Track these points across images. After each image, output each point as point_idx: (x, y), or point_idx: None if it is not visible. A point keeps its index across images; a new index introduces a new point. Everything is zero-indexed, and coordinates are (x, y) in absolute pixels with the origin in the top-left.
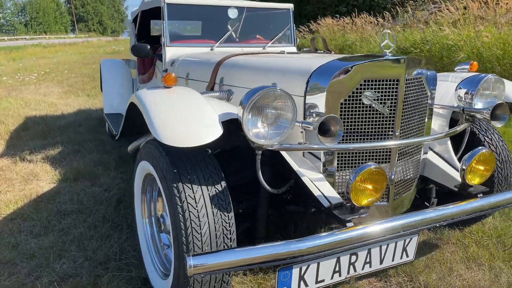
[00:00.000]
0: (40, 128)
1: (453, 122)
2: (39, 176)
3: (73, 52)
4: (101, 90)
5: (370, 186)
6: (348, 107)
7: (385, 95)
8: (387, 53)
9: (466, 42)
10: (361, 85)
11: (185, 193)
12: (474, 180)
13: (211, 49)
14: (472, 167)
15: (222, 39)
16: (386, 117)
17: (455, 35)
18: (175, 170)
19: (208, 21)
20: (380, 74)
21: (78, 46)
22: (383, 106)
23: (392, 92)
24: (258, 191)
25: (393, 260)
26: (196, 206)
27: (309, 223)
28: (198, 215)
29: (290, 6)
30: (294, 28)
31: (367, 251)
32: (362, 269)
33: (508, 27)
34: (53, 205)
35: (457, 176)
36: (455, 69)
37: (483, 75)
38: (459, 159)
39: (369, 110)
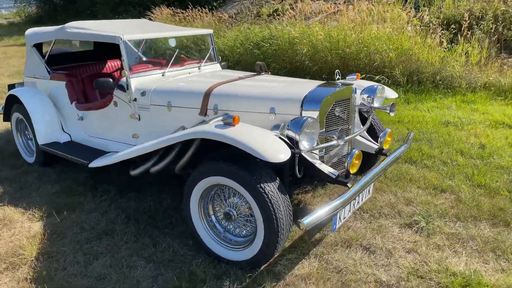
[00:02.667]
0: None
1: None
2: (15, 219)
3: None
4: (6, 120)
5: (357, 161)
6: (328, 118)
7: (343, 108)
8: (340, 84)
9: (305, 38)
10: (333, 104)
11: (266, 189)
12: (386, 146)
13: (163, 75)
14: (385, 140)
15: (169, 64)
16: (344, 119)
17: (296, 32)
18: (254, 177)
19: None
20: (342, 97)
21: None
22: (343, 114)
23: (347, 105)
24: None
25: (365, 198)
26: (274, 195)
27: None
28: (278, 200)
29: (210, 31)
30: (215, 48)
31: (358, 196)
32: (355, 206)
33: (329, 24)
34: (71, 238)
35: (372, 145)
36: (346, 78)
37: (376, 85)
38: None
39: (338, 117)
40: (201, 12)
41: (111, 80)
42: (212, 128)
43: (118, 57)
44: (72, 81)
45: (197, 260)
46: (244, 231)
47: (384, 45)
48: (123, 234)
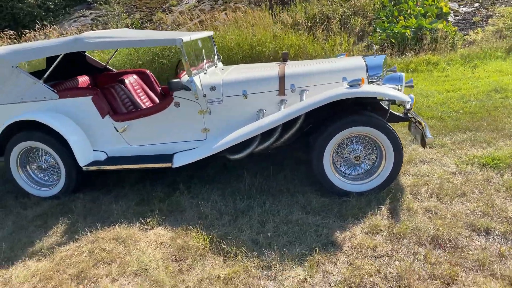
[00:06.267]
0: None
1: None
2: (129, 234)
3: None
4: None
5: None
6: None
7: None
8: (376, 55)
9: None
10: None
11: (391, 127)
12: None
13: (205, 73)
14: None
15: (206, 63)
16: None
17: None
18: (381, 120)
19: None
20: (385, 63)
21: None
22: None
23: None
24: None
25: None
26: (394, 130)
27: None
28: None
29: (212, 33)
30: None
31: None
32: None
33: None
34: (217, 223)
35: None
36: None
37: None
38: None
39: None
40: (47, 30)
41: (180, 80)
42: (350, 90)
43: (79, 73)
44: (98, 94)
45: (342, 200)
46: (360, 170)
47: (280, 43)
48: (260, 206)
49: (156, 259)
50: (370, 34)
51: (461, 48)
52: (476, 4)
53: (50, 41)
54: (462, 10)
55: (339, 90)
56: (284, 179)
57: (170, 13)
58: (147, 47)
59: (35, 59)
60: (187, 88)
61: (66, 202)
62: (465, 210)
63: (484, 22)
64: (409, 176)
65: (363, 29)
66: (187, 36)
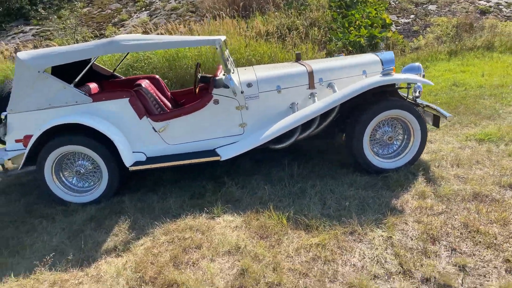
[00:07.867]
0: None
1: None
2: (201, 223)
3: None
4: (29, 165)
5: None
6: None
7: None
8: (383, 51)
9: (190, 53)
10: None
11: (418, 110)
12: None
13: (233, 72)
14: None
15: (232, 63)
16: None
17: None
18: (410, 103)
19: None
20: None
21: None
22: None
23: None
24: None
25: None
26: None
27: None
28: None
29: (225, 37)
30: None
31: None
32: None
33: None
34: (284, 205)
35: None
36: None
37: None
38: None
39: None
40: None
41: (221, 78)
42: (386, 77)
43: (86, 80)
44: (134, 96)
45: (382, 176)
46: (391, 149)
47: (254, 51)
48: (312, 187)
49: (242, 239)
50: (328, 43)
51: (410, 53)
52: (412, 16)
53: (81, 45)
54: (401, 21)
55: (376, 78)
56: (318, 166)
57: (122, 27)
58: (167, 49)
59: (64, 63)
60: (226, 86)
61: (111, 205)
62: (485, 173)
63: (423, 31)
64: (424, 154)
65: (321, 39)
66: (225, 37)
